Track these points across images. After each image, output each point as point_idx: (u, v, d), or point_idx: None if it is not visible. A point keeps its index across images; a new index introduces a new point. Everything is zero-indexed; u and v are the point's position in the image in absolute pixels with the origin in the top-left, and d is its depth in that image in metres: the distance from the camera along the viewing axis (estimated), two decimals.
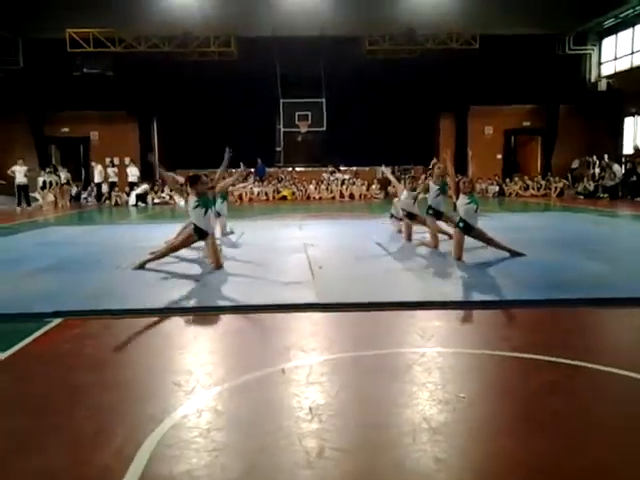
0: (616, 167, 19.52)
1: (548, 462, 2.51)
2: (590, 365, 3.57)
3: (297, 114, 21.84)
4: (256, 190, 21.31)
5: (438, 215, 8.23)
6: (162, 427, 2.82)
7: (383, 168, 9.64)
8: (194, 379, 3.45)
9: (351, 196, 21.54)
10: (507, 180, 21.95)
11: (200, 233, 6.73)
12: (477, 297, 5.35)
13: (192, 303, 5.37)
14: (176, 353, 4.04)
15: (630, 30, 21.17)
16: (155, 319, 4.81)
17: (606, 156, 20.56)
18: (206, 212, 6.71)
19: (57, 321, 4.72)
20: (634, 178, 18.73)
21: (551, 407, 3.03)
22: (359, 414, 2.99)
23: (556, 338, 4.20)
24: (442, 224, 8.40)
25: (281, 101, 21.77)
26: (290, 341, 4.18)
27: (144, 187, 20.20)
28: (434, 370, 3.56)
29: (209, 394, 3.25)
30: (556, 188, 20.93)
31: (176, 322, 4.78)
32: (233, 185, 9.89)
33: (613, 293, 5.27)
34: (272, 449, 2.63)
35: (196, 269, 6.87)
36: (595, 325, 4.87)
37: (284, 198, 21.31)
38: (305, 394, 3.20)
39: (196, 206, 6.66)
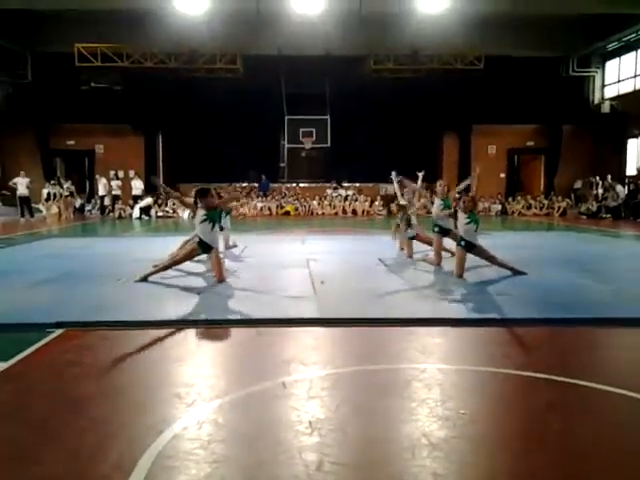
0: (619, 188, 19.58)
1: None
2: (590, 384, 3.56)
3: (301, 130, 22.01)
4: (259, 205, 21.41)
5: (445, 233, 8.09)
6: (162, 438, 2.82)
7: (393, 176, 9.49)
8: (195, 391, 3.46)
9: (354, 212, 21.62)
10: (510, 199, 22.01)
11: (204, 247, 6.76)
12: (477, 315, 5.35)
13: (194, 316, 5.37)
14: (177, 365, 4.04)
15: (633, 53, 21.39)
16: (157, 331, 4.81)
17: (609, 177, 20.64)
18: (213, 226, 6.73)
19: (59, 332, 4.73)
20: (637, 199, 18.78)
21: (551, 425, 3.03)
22: (359, 429, 2.99)
23: (556, 357, 4.20)
24: (447, 240, 8.33)
25: (286, 118, 21.94)
26: (291, 355, 4.19)
27: (148, 200, 20.33)
28: (434, 386, 3.56)
29: (210, 406, 3.25)
30: (559, 208, 20.96)
31: (177, 334, 4.79)
32: (237, 200, 9.91)
33: (614, 313, 5.26)
34: (272, 462, 2.63)
35: (199, 282, 6.88)
36: (595, 345, 4.86)
37: (287, 213, 21.39)
38: (305, 408, 3.20)
39: (204, 220, 6.68)
